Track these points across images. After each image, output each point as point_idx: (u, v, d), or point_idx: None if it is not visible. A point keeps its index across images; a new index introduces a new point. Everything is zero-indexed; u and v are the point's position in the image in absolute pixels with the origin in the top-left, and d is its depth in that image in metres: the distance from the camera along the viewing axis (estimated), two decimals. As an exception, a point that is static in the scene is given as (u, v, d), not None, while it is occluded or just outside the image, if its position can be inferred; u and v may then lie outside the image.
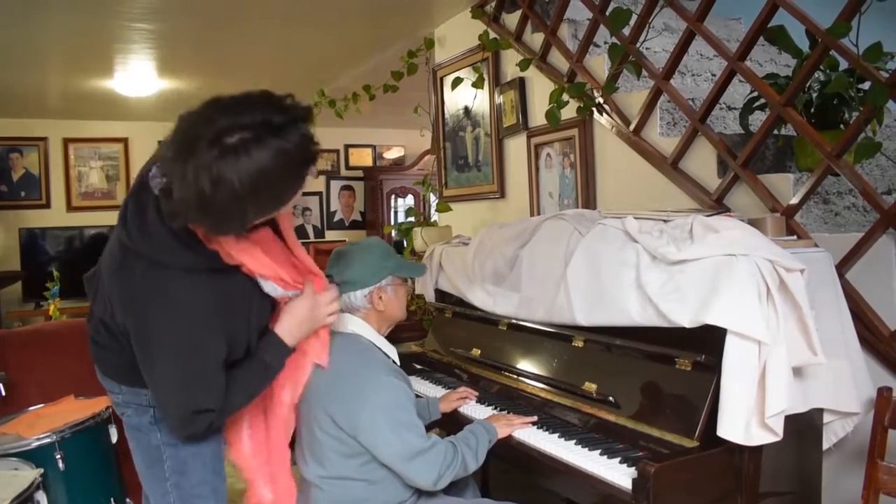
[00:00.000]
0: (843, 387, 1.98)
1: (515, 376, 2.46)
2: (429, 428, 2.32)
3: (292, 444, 2.00)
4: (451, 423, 2.40)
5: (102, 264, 1.83)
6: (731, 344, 1.74)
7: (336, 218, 8.81)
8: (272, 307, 1.87)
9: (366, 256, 2.11)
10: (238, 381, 1.75)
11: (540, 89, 3.59)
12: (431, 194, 4.63)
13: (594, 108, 3.20)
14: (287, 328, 1.82)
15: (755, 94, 2.65)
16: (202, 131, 1.48)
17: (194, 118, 1.52)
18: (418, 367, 2.97)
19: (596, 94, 3.19)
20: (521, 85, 3.71)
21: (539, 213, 3.62)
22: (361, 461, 1.95)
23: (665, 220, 2.12)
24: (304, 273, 1.89)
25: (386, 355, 2.12)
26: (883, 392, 1.95)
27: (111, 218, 1.82)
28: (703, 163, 2.76)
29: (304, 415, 2.05)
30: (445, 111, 4.47)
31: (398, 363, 2.14)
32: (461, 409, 2.43)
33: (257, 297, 1.80)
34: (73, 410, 2.72)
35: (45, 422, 2.62)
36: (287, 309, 1.84)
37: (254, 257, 1.74)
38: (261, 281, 1.78)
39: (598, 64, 3.23)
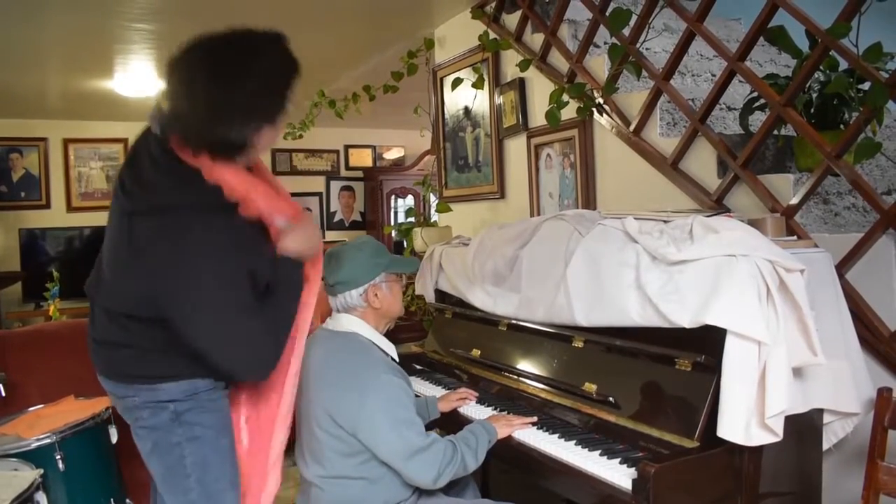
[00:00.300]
0: (842, 387, 1.98)
1: (515, 377, 2.46)
2: (428, 428, 2.32)
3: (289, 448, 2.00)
4: (450, 424, 2.40)
5: (104, 259, 1.86)
6: (731, 344, 1.74)
7: (336, 218, 8.81)
8: None
9: (357, 255, 2.12)
10: (271, 308, 1.81)
11: (540, 90, 3.59)
12: (431, 195, 4.63)
13: (594, 109, 3.20)
14: (290, 249, 1.87)
15: (755, 94, 2.65)
16: (200, 56, 1.68)
17: (186, 53, 1.70)
18: (418, 367, 2.97)
19: (596, 94, 3.19)
20: (521, 85, 3.71)
21: (539, 214, 3.62)
22: (361, 460, 1.95)
23: (665, 221, 2.12)
24: (296, 209, 1.95)
25: (385, 353, 2.12)
26: (883, 392, 1.95)
27: (111, 219, 1.85)
28: (703, 163, 2.76)
29: (303, 414, 2.05)
30: (445, 112, 4.48)
31: (397, 360, 2.14)
32: (461, 410, 2.43)
33: (264, 232, 1.85)
34: (73, 411, 2.72)
35: (44, 422, 2.62)
36: (290, 233, 1.87)
37: (254, 185, 1.79)
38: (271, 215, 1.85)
39: (598, 64, 3.23)
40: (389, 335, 2.21)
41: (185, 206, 1.70)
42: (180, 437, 1.82)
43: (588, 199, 3.29)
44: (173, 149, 1.72)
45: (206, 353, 1.73)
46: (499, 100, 3.89)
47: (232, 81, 1.64)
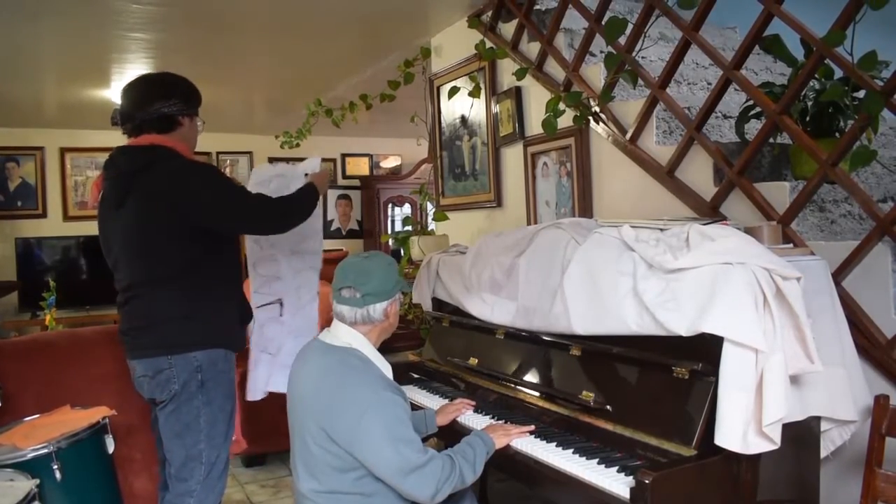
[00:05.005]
0: (840, 395, 1.98)
1: (513, 385, 2.45)
2: (426, 439, 2.31)
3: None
4: (448, 433, 2.40)
5: (115, 255, 2.46)
6: (728, 352, 1.74)
7: (333, 227, 8.80)
8: None
9: (388, 269, 2.12)
10: (283, 198, 2.57)
11: (536, 98, 3.61)
12: (428, 203, 4.63)
13: (590, 117, 3.21)
14: (316, 180, 2.71)
15: (751, 102, 2.66)
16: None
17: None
18: (415, 376, 2.97)
19: (592, 102, 3.19)
20: (517, 94, 3.72)
21: (536, 222, 3.63)
22: (356, 476, 1.93)
23: (661, 229, 2.13)
24: None
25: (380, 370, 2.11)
26: (880, 400, 1.95)
27: (107, 228, 1.94)
28: (699, 171, 2.77)
29: (296, 426, 2.04)
30: (442, 120, 4.48)
31: (391, 378, 2.13)
32: (459, 419, 2.42)
33: None
34: (70, 420, 2.70)
35: (41, 432, 2.60)
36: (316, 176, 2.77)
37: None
38: None
39: (595, 73, 3.24)
40: (384, 343, 2.20)
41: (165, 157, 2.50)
42: (200, 401, 2.37)
43: (585, 207, 3.30)
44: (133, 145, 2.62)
45: (233, 222, 2.45)
46: (495, 108, 3.90)
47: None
